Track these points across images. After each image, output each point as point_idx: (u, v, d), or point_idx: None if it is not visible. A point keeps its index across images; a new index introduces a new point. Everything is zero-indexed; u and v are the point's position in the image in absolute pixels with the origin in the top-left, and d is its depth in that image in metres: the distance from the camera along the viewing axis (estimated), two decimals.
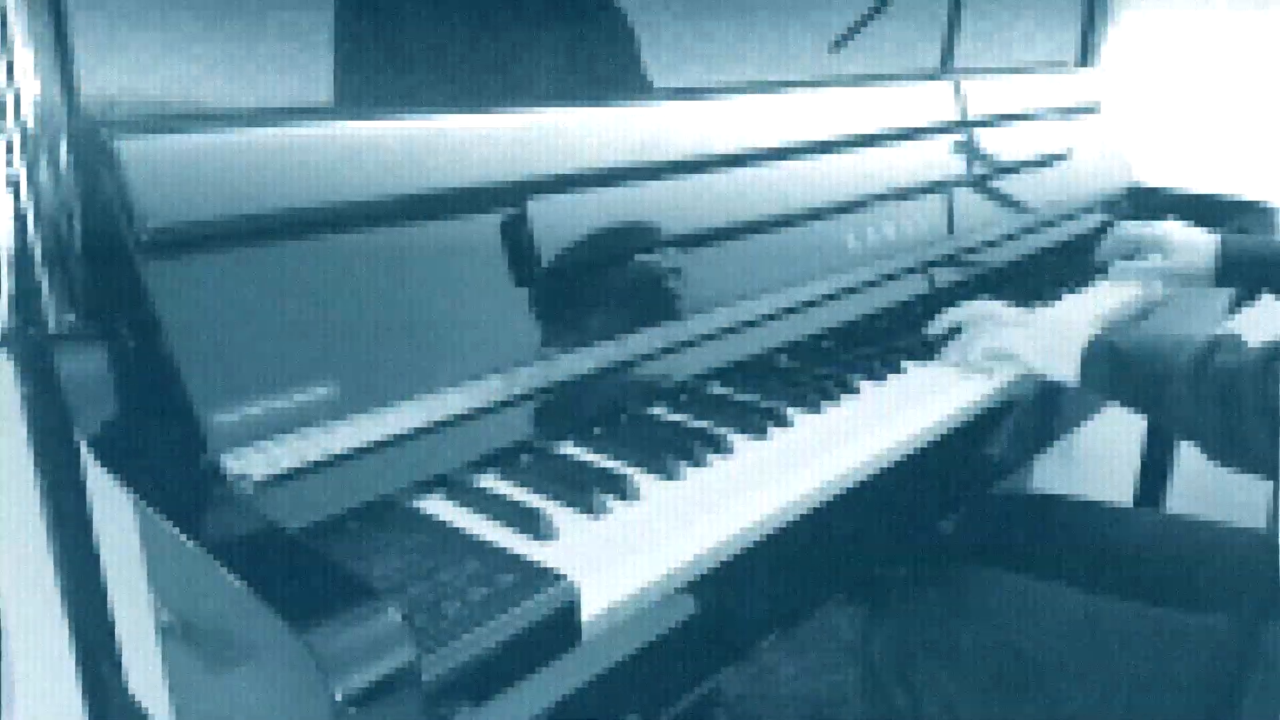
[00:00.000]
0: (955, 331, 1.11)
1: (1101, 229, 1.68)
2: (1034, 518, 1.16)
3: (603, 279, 0.93)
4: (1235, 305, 1.56)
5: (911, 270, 1.28)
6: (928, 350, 1.11)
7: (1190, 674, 0.84)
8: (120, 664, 0.79)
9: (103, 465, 0.68)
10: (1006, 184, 1.46)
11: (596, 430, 0.90)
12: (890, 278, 1.24)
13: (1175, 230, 1.38)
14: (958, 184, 1.37)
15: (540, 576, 0.66)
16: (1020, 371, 1.05)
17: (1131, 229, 1.42)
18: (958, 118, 1.40)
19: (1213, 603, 0.97)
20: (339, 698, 0.51)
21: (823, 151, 1.18)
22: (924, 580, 1.01)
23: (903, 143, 1.29)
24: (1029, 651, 0.89)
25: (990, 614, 0.94)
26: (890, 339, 1.14)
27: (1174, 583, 1.02)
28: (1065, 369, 1.00)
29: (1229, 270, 1.32)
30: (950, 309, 1.14)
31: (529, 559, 0.68)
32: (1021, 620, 0.92)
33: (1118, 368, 0.97)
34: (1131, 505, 1.77)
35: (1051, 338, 1.03)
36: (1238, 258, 1.31)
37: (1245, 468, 0.90)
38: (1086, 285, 1.39)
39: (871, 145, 1.24)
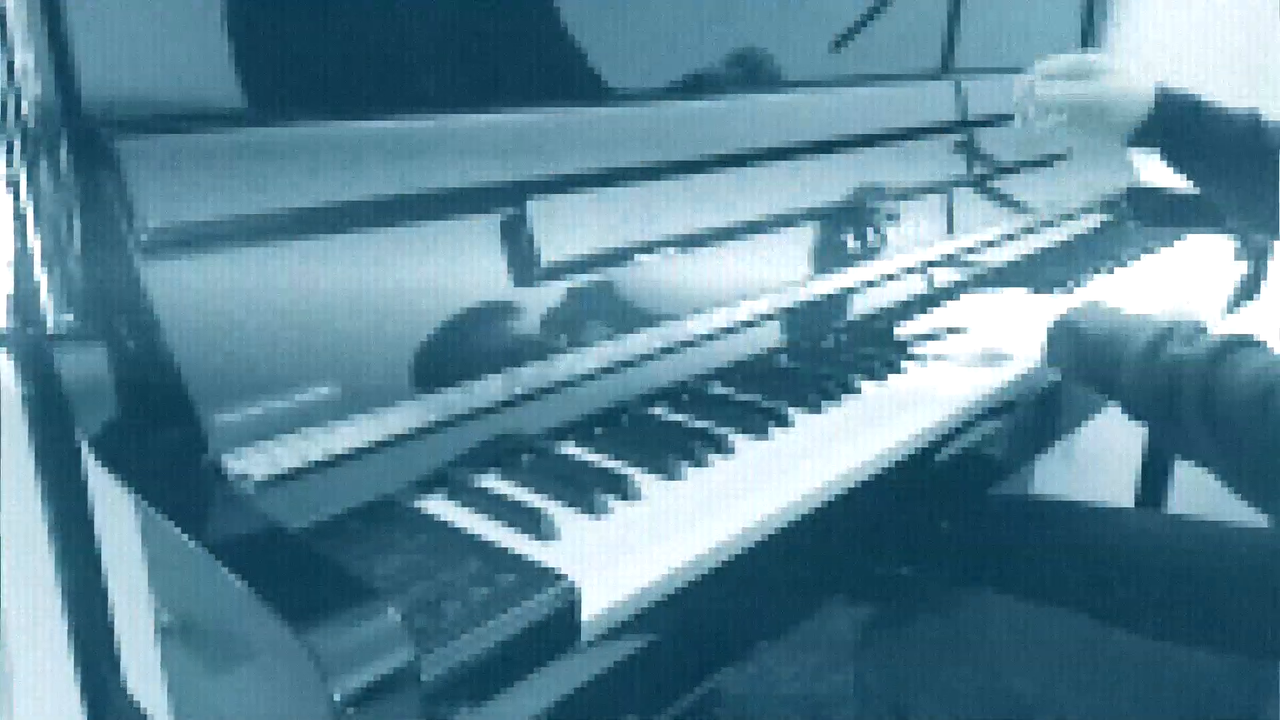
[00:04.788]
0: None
1: (1102, 228, 1.68)
2: (1033, 519, 1.16)
3: (602, 279, 0.93)
4: (1234, 305, 1.56)
5: (912, 270, 1.28)
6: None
7: (1196, 715, 0.83)
8: (120, 664, 0.79)
9: (103, 465, 0.68)
10: (1006, 184, 1.46)
11: (597, 430, 0.90)
12: (890, 278, 1.24)
13: (1103, 60, 1.18)
14: (958, 184, 1.37)
15: (541, 576, 0.66)
16: (991, 348, 1.07)
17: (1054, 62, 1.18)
18: (958, 118, 1.40)
19: (1213, 605, 0.97)
20: (338, 698, 0.51)
21: (823, 151, 1.18)
22: (918, 601, 1.00)
23: (903, 143, 1.29)
24: (1029, 691, 0.88)
25: (985, 646, 0.93)
26: (891, 339, 1.14)
27: (1174, 585, 1.02)
28: (1031, 348, 1.03)
29: (1156, 124, 1.14)
30: (926, 313, 1.15)
31: (529, 559, 0.68)
32: (1017, 654, 0.91)
33: (1078, 347, 0.98)
34: (1132, 506, 1.77)
35: (1020, 318, 1.05)
36: (1175, 113, 1.14)
37: (1188, 458, 0.90)
38: (1087, 285, 1.39)
39: (872, 145, 1.24)
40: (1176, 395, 0.86)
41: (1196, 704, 0.83)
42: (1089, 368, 0.97)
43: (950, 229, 1.33)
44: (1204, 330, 0.91)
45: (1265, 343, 0.88)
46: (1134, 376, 0.90)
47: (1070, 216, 1.61)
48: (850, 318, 1.17)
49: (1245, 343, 0.87)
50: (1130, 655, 0.89)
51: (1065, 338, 0.99)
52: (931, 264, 1.31)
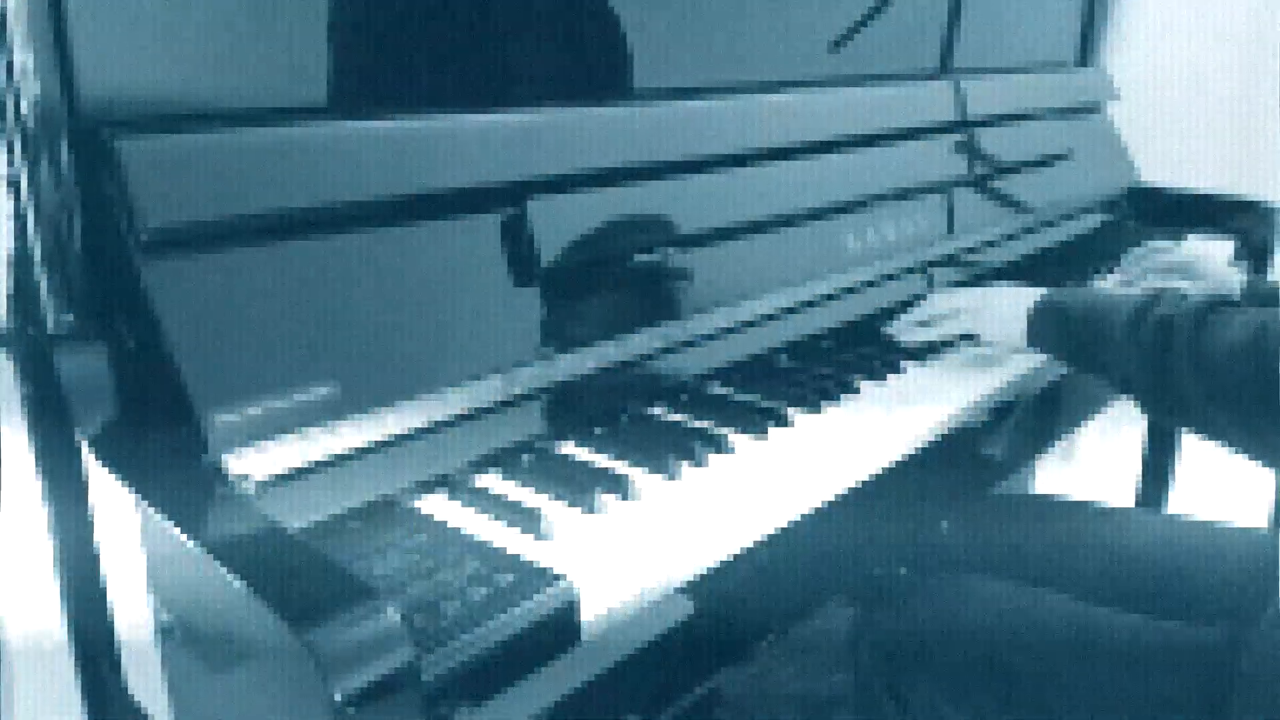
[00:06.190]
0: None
1: (1102, 228, 1.68)
2: (1034, 519, 1.16)
3: (602, 279, 0.93)
4: None
5: (911, 270, 1.28)
6: (926, 350, 1.12)
7: (1183, 687, 0.84)
8: (120, 664, 0.79)
9: (103, 465, 0.68)
10: (1006, 184, 1.46)
11: (597, 430, 0.90)
12: (890, 278, 1.24)
13: (1205, 259, 1.33)
14: (958, 184, 1.37)
15: (540, 576, 0.66)
16: (974, 335, 1.08)
17: (1161, 255, 1.37)
18: (958, 118, 1.40)
19: (1213, 605, 0.97)
20: (338, 698, 0.51)
21: (823, 151, 1.18)
22: (913, 588, 1.01)
23: (903, 143, 1.29)
24: (1018, 663, 0.89)
25: (979, 624, 0.93)
26: (890, 339, 1.14)
27: (1175, 585, 1.02)
28: (1012, 332, 1.03)
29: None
30: (913, 309, 1.15)
31: (529, 559, 0.68)
32: (1011, 631, 0.92)
33: (1061, 324, 0.98)
34: (1132, 506, 1.77)
35: (1001, 304, 1.05)
36: (1261, 302, 1.26)
37: (1180, 421, 0.91)
38: (1086, 285, 1.39)
39: (871, 145, 1.24)
40: (1167, 352, 0.87)
41: (1182, 675, 0.84)
42: (1073, 343, 0.97)
43: (950, 229, 1.33)
44: (1187, 296, 0.92)
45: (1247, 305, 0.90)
46: (1123, 343, 0.91)
47: (1070, 216, 1.61)
48: (850, 317, 1.17)
49: (1229, 301, 0.89)
50: (1115, 628, 0.90)
51: (1048, 318, 0.99)
52: (931, 264, 1.31)
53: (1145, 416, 1.75)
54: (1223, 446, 0.87)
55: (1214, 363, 0.84)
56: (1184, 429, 0.91)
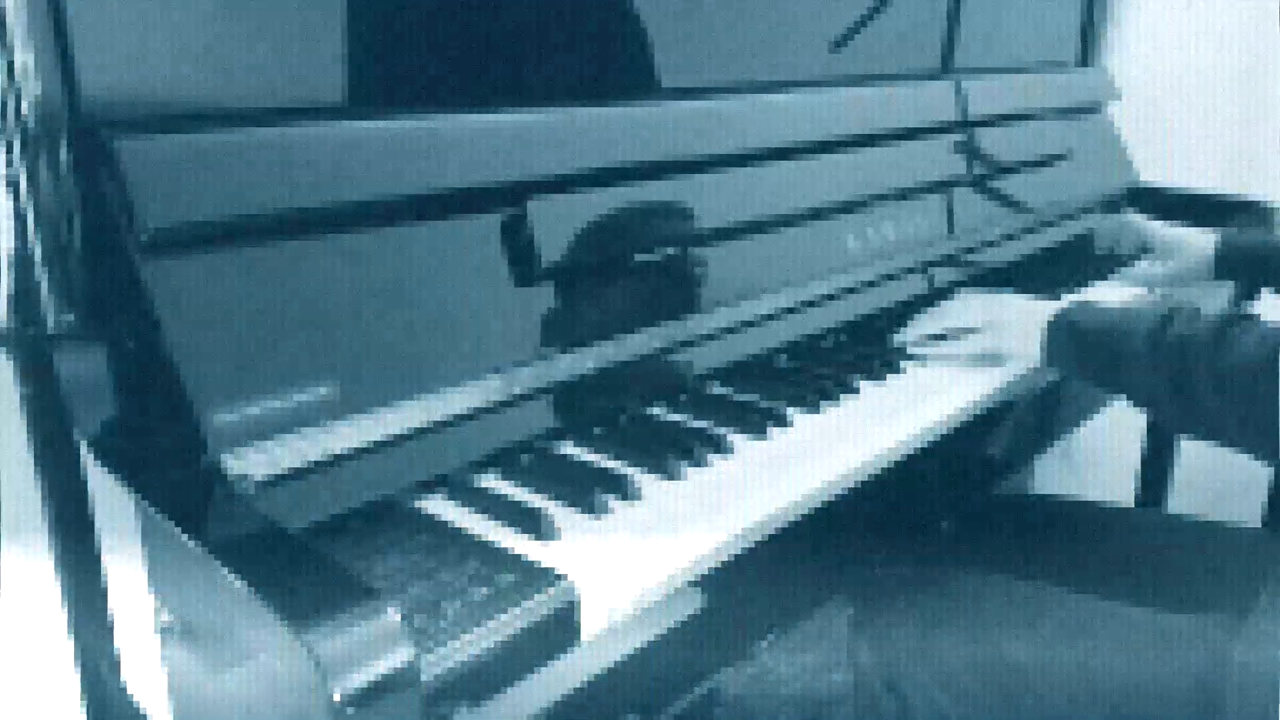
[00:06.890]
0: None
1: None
2: (1034, 518, 1.16)
3: (602, 279, 0.93)
4: (1235, 303, 1.56)
5: (911, 270, 1.28)
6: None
7: (1182, 680, 0.84)
8: (120, 664, 0.79)
9: (103, 465, 0.68)
10: (1006, 184, 1.46)
11: (597, 430, 0.90)
12: (890, 278, 1.24)
13: (1162, 230, 1.39)
14: (958, 184, 1.37)
15: (540, 576, 0.66)
16: (989, 350, 1.08)
17: (1110, 225, 1.41)
18: (958, 118, 1.40)
19: (1211, 604, 0.97)
20: (337, 698, 0.51)
21: (823, 151, 1.18)
22: (910, 584, 1.01)
23: (903, 143, 1.29)
24: (1017, 657, 0.89)
25: (977, 619, 0.94)
26: (890, 339, 1.14)
27: (1174, 584, 1.02)
28: (1030, 348, 1.04)
29: (1226, 267, 1.34)
30: (922, 315, 1.15)
31: (529, 559, 0.68)
32: (1010, 626, 0.92)
33: (1078, 343, 1.00)
34: (1132, 505, 1.77)
35: (1016, 319, 1.06)
36: (1236, 255, 1.33)
37: (1202, 435, 0.93)
38: (1086, 285, 1.39)
39: (871, 145, 1.24)
40: (1187, 371, 0.89)
41: (1181, 668, 0.85)
42: (1091, 362, 0.99)
43: (950, 229, 1.33)
44: (1201, 312, 0.94)
45: (1262, 318, 0.92)
46: (1141, 362, 0.93)
47: (1071, 216, 1.61)
48: (850, 317, 1.17)
49: (1244, 317, 0.91)
50: (1113, 622, 0.90)
51: (1063, 336, 1.00)
52: (931, 264, 1.31)
53: (1145, 416, 1.75)
54: (1251, 459, 0.89)
55: (1234, 380, 0.86)
56: (1209, 443, 0.92)
